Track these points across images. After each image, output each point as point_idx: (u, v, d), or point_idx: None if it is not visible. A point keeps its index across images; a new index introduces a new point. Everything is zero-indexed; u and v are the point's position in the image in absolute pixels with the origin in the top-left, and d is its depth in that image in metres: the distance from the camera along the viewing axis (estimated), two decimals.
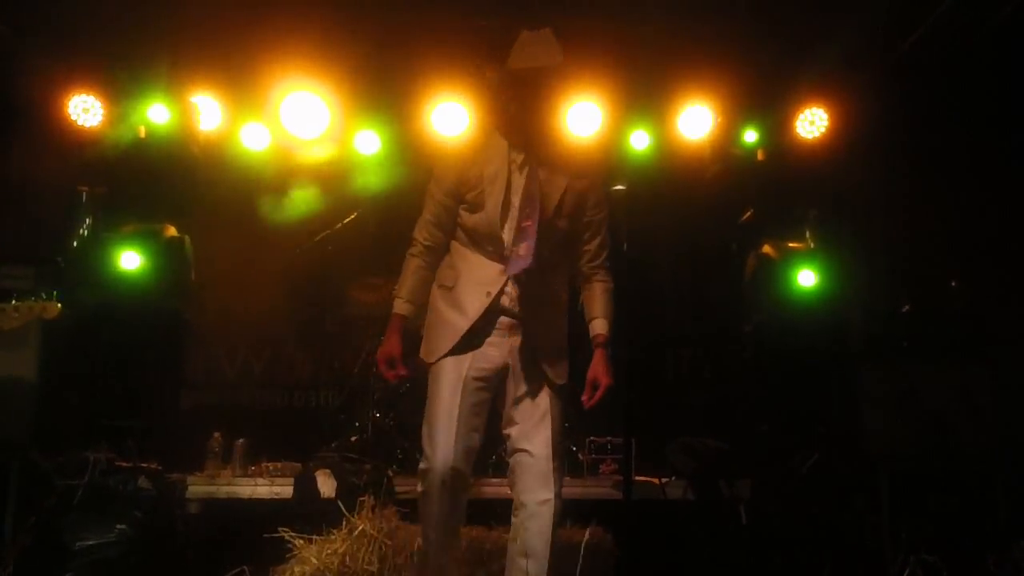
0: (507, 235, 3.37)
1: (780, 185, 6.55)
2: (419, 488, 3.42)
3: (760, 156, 6.53)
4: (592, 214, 3.51)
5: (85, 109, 6.03)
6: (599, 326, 3.51)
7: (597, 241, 3.55)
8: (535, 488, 3.32)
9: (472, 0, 5.85)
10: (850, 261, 6.04)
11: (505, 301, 3.40)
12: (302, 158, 6.42)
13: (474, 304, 3.39)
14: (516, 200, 3.36)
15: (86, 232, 5.88)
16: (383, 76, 6.30)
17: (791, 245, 6.22)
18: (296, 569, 4.10)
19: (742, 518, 4.87)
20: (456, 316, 3.43)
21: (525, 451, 3.38)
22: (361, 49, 6.12)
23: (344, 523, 4.22)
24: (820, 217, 6.39)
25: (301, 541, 4.19)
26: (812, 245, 6.24)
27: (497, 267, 3.38)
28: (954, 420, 4.34)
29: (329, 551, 4.12)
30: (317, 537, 4.20)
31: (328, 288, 7.13)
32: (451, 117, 6.19)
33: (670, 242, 7.05)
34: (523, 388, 3.42)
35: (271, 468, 5.18)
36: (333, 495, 4.66)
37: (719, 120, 6.30)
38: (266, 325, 7.41)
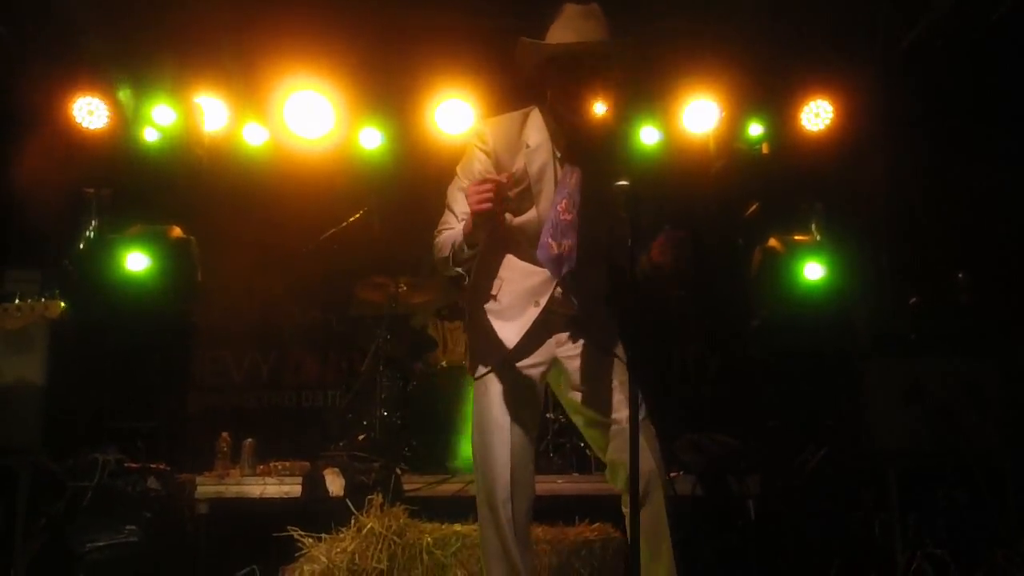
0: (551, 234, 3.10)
1: (786, 178, 6.53)
2: (480, 513, 3.15)
3: (765, 149, 6.51)
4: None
5: (90, 111, 6.04)
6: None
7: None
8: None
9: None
10: (856, 254, 6.02)
11: (553, 305, 3.18)
12: (306, 157, 6.41)
13: (523, 316, 3.16)
14: (560, 195, 3.10)
15: (92, 234, 5.90)
16: (387, 75, 6.30)
17: (797, 239, 6.21)
18: (305, 568, 4.12)
19: (751, 514, 4.87)
20: (504, 329, 3.19)
21: (616, 422, 3.12)
22: (365, 48, 6.12)
23: (353, 521, 4.23)
24: (826, 210, 6.38)
25: (310, 540, 4.20)
26: (818, 238, 6.23)
27: (543, 273, 3.14)
28: (961, 414, 4.33)
29: (338, 549, 4.14)
30: (326, 536, 4.21)
31: (334, 287, 7.13)
32: (455, 115, 6.19)
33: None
34: (583, 371, 3.17)
35: (280, 467, 5.19)
36: (342, 494, 4.68)
37: (724, 114, 6.28)
38: (273, 325, 7.43)
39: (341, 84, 6.11)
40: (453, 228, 3.24)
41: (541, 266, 3.14)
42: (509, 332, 3.17)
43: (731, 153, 6.62)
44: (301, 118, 6.12)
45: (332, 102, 6.10)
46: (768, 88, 6.40)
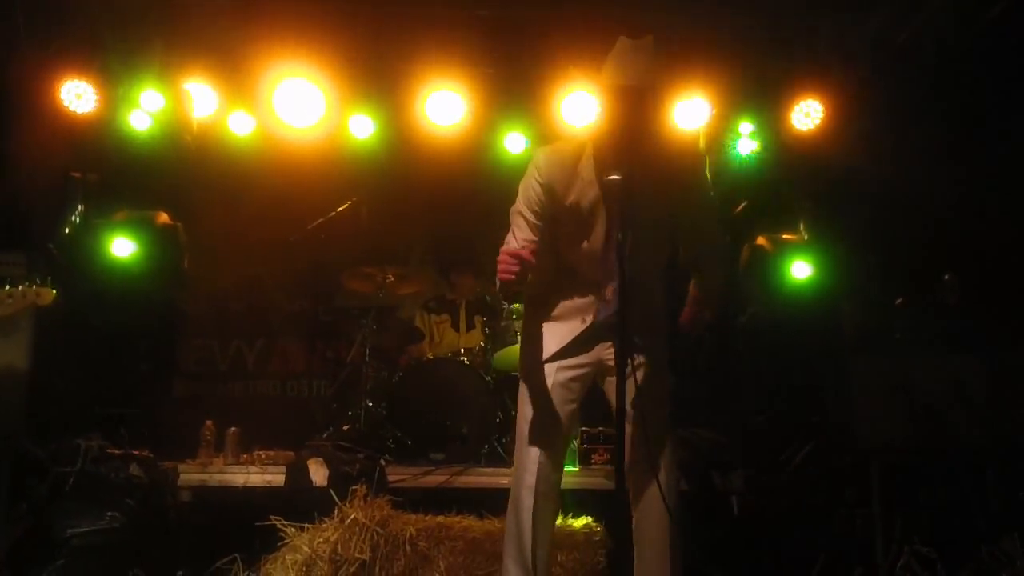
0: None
1: (775, 177, 6.54)
2: (510, 499, 3.37)
3: (755, 147, 6.51)
4: (692, 215, 3.37)
5: (78, 95, 5.97)
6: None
7: (695, 242, 3.48)
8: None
9: None
10: (844, 253, 6.04)
11: (599, 317, 3.35)
12: (295, 145, 6.38)
13: (570, 328, 3.37)
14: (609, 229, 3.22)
15: (78, 219, 5.86)
16: (378, 65, 6.27)
17: (785, 237, 6.22)
18: (287, 557, 4.12)
19: (735, 509, 4.88)
20: (552, 339, 3.40)
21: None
22: (356, 37, 6.09)
23: (336, 512, 4.22)
24: (814, 209, 6.39)
25: (293, 529, 4.20)
26: (806, 237, 6.24)
27: (590, 297, 3.36)
28: (946, 412, 4.35)
29: (321, 539, 4.13)
30: (309, 525, 4.21)
31: (322, 277, 7.12)
32: (445, 106, 6.17)
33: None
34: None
35: (263, 456, 5.18)
36: (325, 483, 4.67)
37: (715, 112, 6.28)
38: (259, 313, 7.41)
39: (331, 72, 6.08)
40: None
41: (591, 287, 3.34)
42: (555, 341, 3.35)
43: (721, 150, 6.63)
44: (290, 106, 6.07)
45: (322, 90, 6.07)
46: (759, 87, 6.40)
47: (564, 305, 3.43)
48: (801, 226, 6.40)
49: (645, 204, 3.11)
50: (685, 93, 6.21)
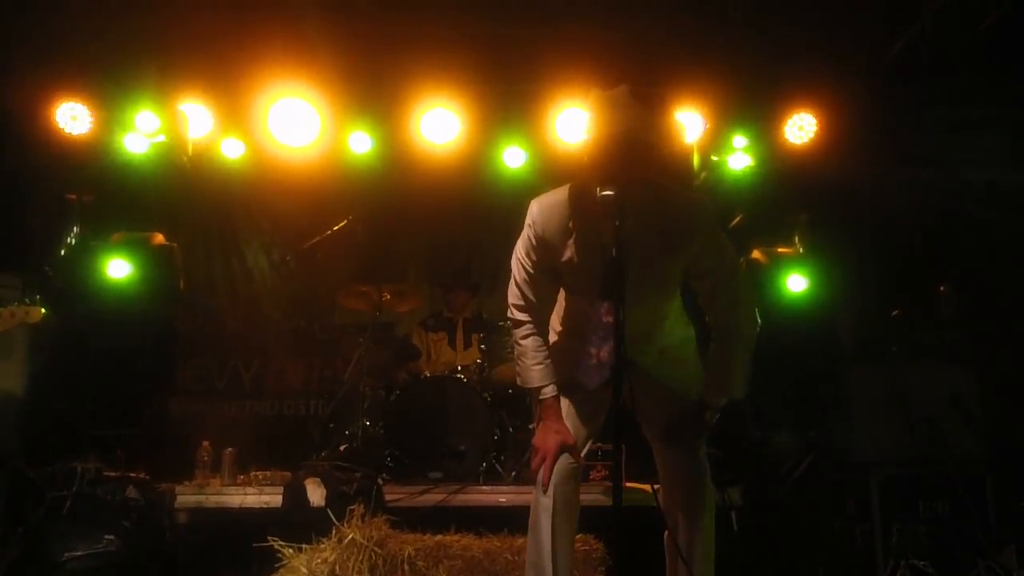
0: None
1: (769, 190, 6.55)
2: (531, 530, 3.30)
3: (750, 161, 6.53)
4: (702, 265, 3.29)
5: (73, 117, 5.99)
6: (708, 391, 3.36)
7: (711, 293, 3.34)
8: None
9: (461, 7, 5.83)
10: (839, 266, 6.05)
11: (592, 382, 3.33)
12: (291, 165, 6.39)
13: (582, 358, 3.36)
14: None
15: (74, 240, 5.86)
16: (372, 83, 6.29)
17: (780, 250, 6.23)
18: None
19: (733, 525, 4.86)
20: (566, 361, 3.37)
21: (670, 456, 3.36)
22: (351, 56, 6.10)
23: (334, 532, 4.20)
24: (809, 222, 6.40)
25: (290, 550, 4.17)
26: (801, 250, 6.25)
27: (601, 323, 3.28)
28: (944, 425, 4.35)
29: (318, 560, 4.11)
30: (306, 546, 4.18)
31: (318, 296, 7.11)
32: (440, 124, 6.19)
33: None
34: (647, 396, 3.21)
35: (260, 477, 5.16)
36: (323, 504, 4.65)
37: (709, 125, 6.30)
38: (255, 333, 7.39)
39: (326, 92, 6.10)
40: (536, 339, 3.35)
41: (596, 324, 3.29)
42: (569, 369, 3.35)
43: (715, 164, 6.65)
44: (286, 126, 6.09)
45: (317, 110, 6.08)
46: (753, 100, 6.42)
47: (572, 332, 3.41)
48: (796, 239, 6.40)
49: (645, 240, 3.10)
50: (679, 107, 6.23)
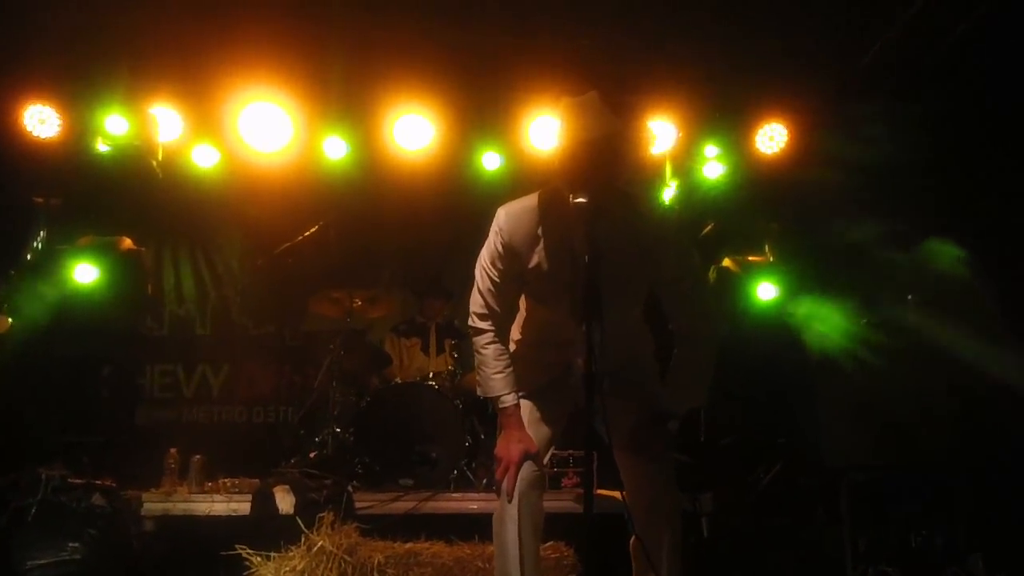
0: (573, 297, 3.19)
1: (741, 199, 6.60)
2: (496, 539, 3.28)
3: (721, 170, 6.57)
4: (669, 272, 3.29)
5: (41, 120, 5.92)
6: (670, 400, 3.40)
7: (677, 301, 3.37)
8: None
9: (435, 12, 5.83)
10: (809, 275, 6.09)
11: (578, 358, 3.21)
12: (262, 170, 6.35)
13: (546, 367, 3.37)
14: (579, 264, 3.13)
15: (40, 245, 5.78)
16: (345, 89, 6.26)
17: (751, 259, 6.27)
18: None
19: (704, 531, 4.88)
20: (527, 371, 3.37)
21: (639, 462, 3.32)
22: (324, 62, 6.08)
23: (303, 539, 4.17)
24: (779, 231, 6.45)
25: (259, 558, 4.15)
26: (772, 259, 6.30)
27: (568, 331, 3.22)
28: (911, 431, 4.39)
29: (287, 568, 4.08)
30: (275, 554, 4.15)
31: (288, 301, 7.07)
32: (414, 130, 6.18)
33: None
34: (612, 404, 3.20)
35: (228, 484, 5.11)
36: (292, 511, 4.61)
37: (681, 135, 6.34)
38: (225, 339, 7.33)
39: (297, 97, 6.07)
40: (498, 345, 3.35)
41: (566, 319, 3.24)
42: (532, 377, 3.35)
43: (687, 173, 6.69)
44: (257, 130, 6.05)
45: (289, 115, 6.05)
46: (724, 110, 6.47)
47: (538, 340, 3.42)
48: (767, 247, 6.45)
49: (616, 247, 3.10)
50: (651, 116, 6.27)
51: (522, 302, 3.51)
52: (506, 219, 3.25)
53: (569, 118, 3.16)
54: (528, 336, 3.49)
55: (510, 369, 3.33)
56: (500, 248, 3.25)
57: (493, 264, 3.28)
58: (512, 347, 3.47)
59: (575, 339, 3.13)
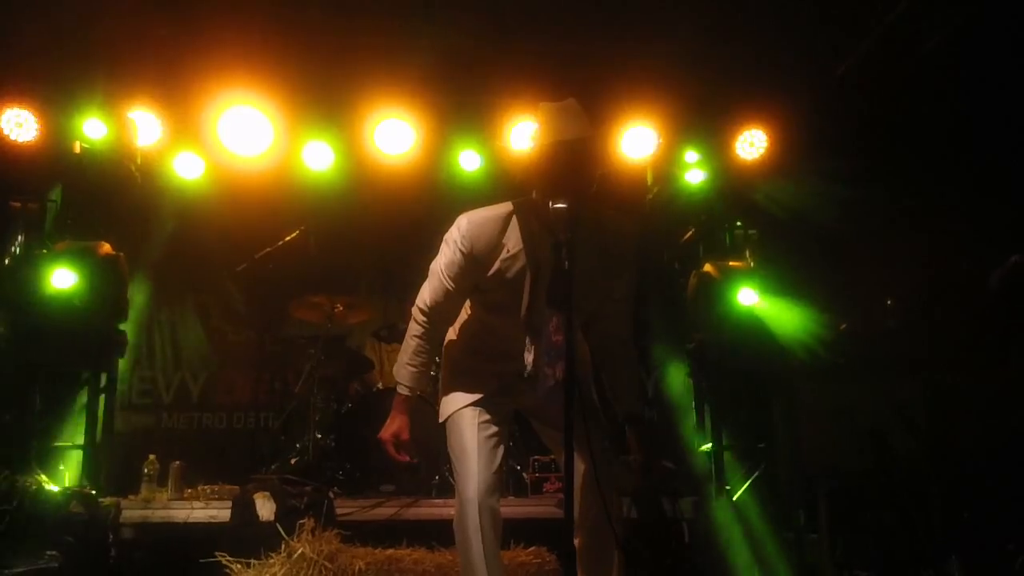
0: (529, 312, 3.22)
1: (721, 205, 6.63)
2: (461, 548, 3.30)
3: (702, 176, 6.60)
4: (621, 289, 3.38)
5: (19, 123, 5.86)
6: (628, 403, 3.46)
7: (622, 318, 3.46)
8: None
9: (417, 20, 5.83)
10: (789, 280, 6.13)
11: (525, 369, 3.28)
12: (242, 175, 6.33)
13: (492, 378, 3.38)
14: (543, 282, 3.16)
15: (18, 249, 5.73)
16: (326, 93, 6.25)
17: (732, 264, 6.31)
18: None
19: (685, 536, 4.90)
20: (473, 383, 3.40)
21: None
22: (304, 65, 6.07)
23: (283, 546, 4.16)
24: (759, 237, 6.49)
25: (239, 565, 4.12)
26: (752, 264, 6.33)
27: (520, 343, 3.25)
28: (889, 437, 4.42)
29: (267, 575, 4.05)
30: (255, 561, 4.13)
31: (268, 307, 7.04)
32: (395, 135, 6.17)
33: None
34: (552, 417, 3.32)
35: (208, 491, 5.08)
36: (272, 518, 4.59)
37: (662, 141, 6.36)
38: (204, 344, 7.30)
39: (278, 101, 6.05)
40: (424, 342, 3.45)
41: (517, 332, 3.25)
42: (478, 388, 3.38)
43: (668, 179, 6.73)
44: (237, 134, 6.02)
45: (269, 118, 6.03)
46: (704, 116, 6.50)
47: (486, 349, 3.43)
48: (747, 253, 6.48)
49: (584, 256, 3.07)
50: (631, 123, 6.29)
51: (465, 309, 3.51)
52: (468, 226, 3.25)
53: (548, 121, 3.19)
54: (471, 345, 3.50)
55: (425, 369, 3.46)
56: (460, 256, 3.25)
57: (449, 271, 3.30)
58: (456, 355, 3.52)
59: (523, 348, 3.22)
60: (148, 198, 6.43)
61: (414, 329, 3.45)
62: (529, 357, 3.23)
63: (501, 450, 3.37)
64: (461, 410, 3.38)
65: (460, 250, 3.24)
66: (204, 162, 6.34)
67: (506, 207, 3.29)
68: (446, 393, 3.48)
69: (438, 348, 3.54)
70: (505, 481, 5.56)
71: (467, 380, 3.42)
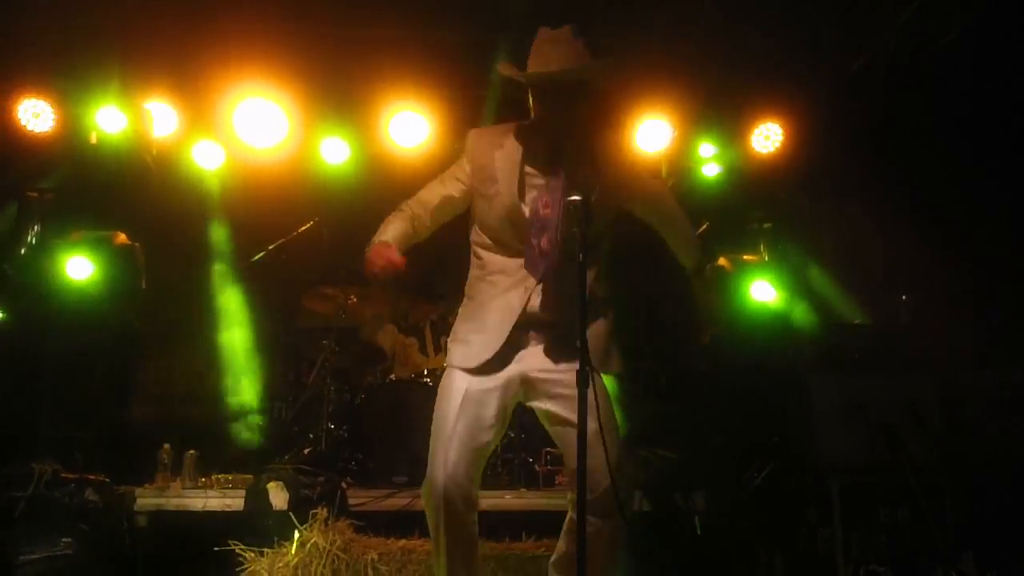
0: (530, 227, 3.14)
1: (736, 198, 6.61)
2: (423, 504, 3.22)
3: (717, 169, 6.58)
4: (650, 209, 3.42)
5: (35, 114, 5.89)
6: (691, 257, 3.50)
7: (676, 229, 3.51)
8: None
9: (432, 11, 5.82)
10: (802, 274, 6.11)
11: (534, 305, 3.19)
12: (257, 166, 6.34)
13: (503, 320, 3.19)
14: (535, 193, 3.17)
15: (34, 239, 5.76)
16: (341, 85, 6.25)
17: (746, 258, 6.28)
18: None
19: (697, 529, 4.89)
20: (480, 333, 3.22)
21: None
22: (319, 57, 6.07)
23: (296, 536, 4.18)
24: (774, 230, 6.47)
25: (252, 554, 4.15)
26: (766, 258, 6.31)
27: (519, 260, 3.17)
28: (903, 432, 4.40)
29: (281, 564, 4.09)
30: (268, 550, 4.15)
31: (282, 298, 7.05)
32: (410, 127, 6.17)
33: (626, 252, 7.07)
34: (560, 389, 3.18)
35: (222, 480, 5.10)
36: (285, 507, 4.62)
37: (677, 134, 6.34)
38: (217, 335, 7.31)
39: (293, 93, 6.06)
40: (402, 217, 3.37)
41: (517, 255, 3.19)
42: (487, 338, 3.19)
43: (682, 172, 6.70)
44: (252, 126, 6.03)
45: (284, 110, 6.04)
46: (720, 109, 6.48)
47: (494, 282, 3.26)
48: (761, 247, 6.46)
49: (573, 176, 3.12)
50: (648, 114, 6.27)
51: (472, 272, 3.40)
52: (473, 137, 3.34)
53: (533, 51, 3.19)
54: (477, 289, 3.34)
55: (394, 232, 3.31)
56: (466, 164, 3.30)
57: (444, 180, 3.35)
58: (464, 303, 3.36)
59: (527, 289, 3.15)
60: (163, 188, 6.44)
61: (394, 214, 3.40)
62: (532, 241, 3.14)
63: (487, 435, 3.21)
64: (455, 373, 3.23)
65: (468, 158, 3.31)
66: (211, 146, 6.33)
67: (512, 125, 3.32)
68: (451, 347, 3.32)
69: (409, 234, 3.38)
70: (516, 473, 5.57)
71: (471, 329, 3.25)
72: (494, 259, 3.28)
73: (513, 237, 3.23)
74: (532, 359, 3.23)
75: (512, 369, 3.22)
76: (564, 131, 3.19)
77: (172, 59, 6.00)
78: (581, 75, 3.16)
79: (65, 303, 5.52)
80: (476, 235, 3.37)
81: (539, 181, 3.20)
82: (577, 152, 3.21)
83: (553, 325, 3.21)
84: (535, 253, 3.13)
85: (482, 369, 3.19)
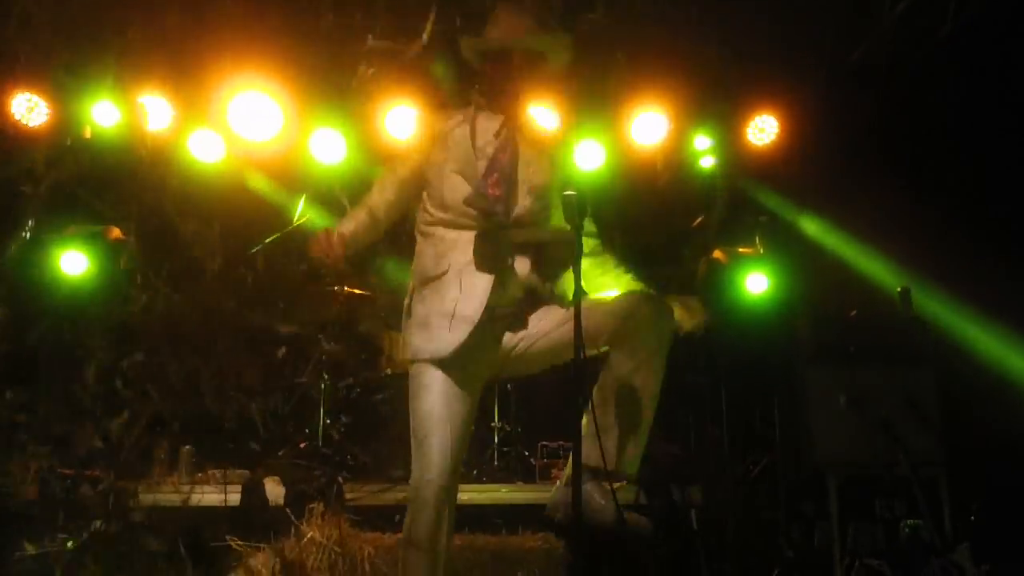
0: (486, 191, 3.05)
1: (731, 191, 6.60)
2: (409, 504, 3.16)
3: (712, 162, 6.57)
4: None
5: (29, 108, 5.86)
6: None
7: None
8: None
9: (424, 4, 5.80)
10: (799, 267, 6.11)
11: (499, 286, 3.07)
12: (253, 160, 6.31)
13: (477, 288, 3.05)
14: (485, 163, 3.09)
15: (28, 234, 5.74)
16: (337, 78, 6.23)
17: (741, 251, 6.28)
18: None
19: (693, 523, 4.90)
20: (452, 306, 3.06)
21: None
22: (314, 49, 6.05)
23: (293, 531, 4.17)
24: (769, 223, 6.46)
25: (249, 549, 4.14)
26: (762, 251, 6.31)
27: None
28: (900, 425, 4.41)
29: (277, 559, 4.08)
30: (265, 545, 4.15)
31: (278, 292, 7.03)
32: (405, 121, 6.14)
33: (621, 246, 7.06)
34: (537, 335, 3.12)
35: (218, 475, 5.11)
36: (282, 502, 4.62)
37: (672, 127, 6.32)
38: (214, 330, 7.30)
39: (289, 85, 6.03)
40: (361, 209, 3.33)
41: (468, 243, 3.10)
42: (451, 334, 3.07)
43: (678, 165, 6.69)
44: (247, 119, 6.00)
45: (280, 103, 6.01)
46: (715, 102, 6.46)
47: (459, 266, 3.10)
48: (757, 239, 6.46)
49: (528, 171, 3.12)
50: (643, 107, 6.25)
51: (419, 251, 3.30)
52: (425, 115, 3.47)
53: (494, 21, 3.19)
54: (424, 278, 3.18)
55: (353, 230, 3.27)
56: (410, 149, 3.31)
57: (393, 167, 3.31)
58: (417, 289, 3.23)
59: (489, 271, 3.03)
60: (158, 182, 6.41)
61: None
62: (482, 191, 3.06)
63: (466, 426, 3.18)
64: (426, 369, 3.14)
65: (415, 139, 3.37)
66: (207, 139, 6.29)
67: (462, 106, 3.31)
68: (416, 330, 3.18)
69: (367, 224, 3.32)
70: (512, 467, 5.57)
71: (433, 312, 3.12)
72: (448, 235, 3.15)
73: (461, 194, 3.12)
74: (503, 339, 3.16)
75: (482, 355, 3.14)
76: (517, 100, 3.17)
77: (166, 53, 5.97)
78: (542, 47, 3.17)
79: (59, 298, 5.51)
80: (425, 216, 3.23)
81: (492, 141, 3.15)
82: (527, 123, 3.21)
83: (517, 301, 3.14)
84: (482, 191, 3.05)
85: (452, 360, 3.09)
